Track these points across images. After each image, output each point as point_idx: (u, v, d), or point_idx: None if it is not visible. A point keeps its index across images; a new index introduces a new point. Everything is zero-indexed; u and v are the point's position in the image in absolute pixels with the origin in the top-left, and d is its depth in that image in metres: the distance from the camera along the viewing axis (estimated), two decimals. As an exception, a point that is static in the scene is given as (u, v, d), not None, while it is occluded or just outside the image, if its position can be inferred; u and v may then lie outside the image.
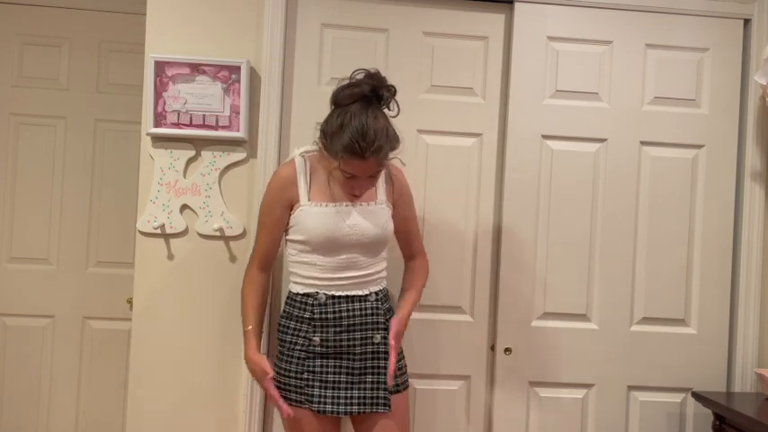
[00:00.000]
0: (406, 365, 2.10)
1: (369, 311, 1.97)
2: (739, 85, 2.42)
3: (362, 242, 1.96)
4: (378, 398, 1.94)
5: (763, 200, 2.41)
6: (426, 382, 2.37)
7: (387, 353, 1.95)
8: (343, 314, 1.95)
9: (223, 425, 2.28)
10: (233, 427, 2.28)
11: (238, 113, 2.24)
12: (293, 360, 1.95)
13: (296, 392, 1.94)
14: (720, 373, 2.41)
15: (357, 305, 1.96)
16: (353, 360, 1.95)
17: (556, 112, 2.38)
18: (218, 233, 2.26)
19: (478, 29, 2.38)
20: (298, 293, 1.99)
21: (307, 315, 1.96)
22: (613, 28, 2.39)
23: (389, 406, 1.94)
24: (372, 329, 1.96)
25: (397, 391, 2.02)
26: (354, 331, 1.95)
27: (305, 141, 2.11)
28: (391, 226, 2.03)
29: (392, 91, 1.92)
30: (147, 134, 2.24)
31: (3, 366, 2.92)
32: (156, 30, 2.27)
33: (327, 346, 1.94)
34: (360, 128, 1.82)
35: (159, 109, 2.22)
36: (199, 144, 2.27)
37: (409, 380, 2.12)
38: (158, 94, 2.22)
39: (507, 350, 2.35)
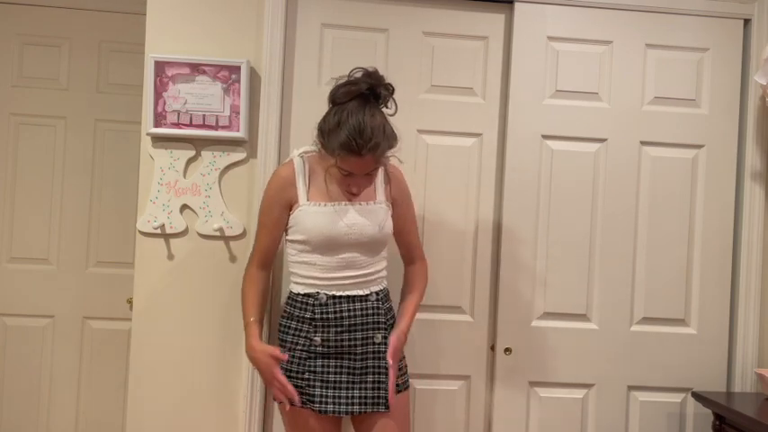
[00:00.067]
0: (406, 365, 2.10)
1: (369, 311, 1.97)
2: (739, 85, 2.42)
3: (361, 241, 1.96)
4: (378, 397, 1.94)
5: (763, 200, 2.41)
6: (426, 382, 2.37)
7: (387, 353, 1.96)
8: (344, 314, 1.95)
9: (223, 425, 2.28)
10: (233, 427, 2.28)
11: (238, 113, 2.24)
12: (294, 360, 1.95)
13: (297, 392, 1.93)
14: (720, 373, 2.41)
15: (358, 305, 1.96)
16: (354, 360, 1.95)
17: (556, 112, 2.38)
18: (218, 233, 2.26)
19: (478, 29, 2.38)
20: (298, 294, 1.99)
21: (308, 315, 1.96)
22: (613, 28, 2.39)
23: (389, 406, 1.94)
24: (373, 329, 1.96)
25: (398, 391, 2.02)
26: (355, 331, 1.95)
27: (305, 141, 2.11)
28: (390, 225, 2.02)
29: (390, 89, 1.92)
30: (147, 134, 2.24)
31: (3, 366, 2.92)
32: (156, 30, 2.27)
33: (328, 346, 1.94)
34: (357, 125, 1.82)
35: (159, 109, 2.22)
36: (199, 144, 2.27)
37: (409, 380, 2.12)
38: (158, 94, 2.22)
39: (507, 350, 2.35)
